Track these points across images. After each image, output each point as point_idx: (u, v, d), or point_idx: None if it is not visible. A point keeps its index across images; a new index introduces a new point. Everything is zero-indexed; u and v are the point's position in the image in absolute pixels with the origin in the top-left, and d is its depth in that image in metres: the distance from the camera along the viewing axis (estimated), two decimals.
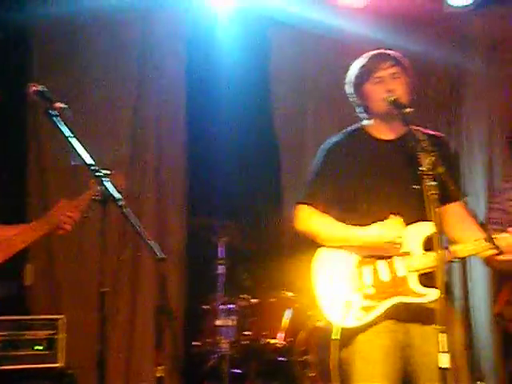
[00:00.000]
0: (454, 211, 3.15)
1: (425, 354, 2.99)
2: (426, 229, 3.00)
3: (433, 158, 2.78)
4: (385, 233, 3.01)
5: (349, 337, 3.01)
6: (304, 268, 3.14)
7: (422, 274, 3.00)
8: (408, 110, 2.99)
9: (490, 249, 3.01)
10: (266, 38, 6.02)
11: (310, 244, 3.16)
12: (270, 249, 5.43)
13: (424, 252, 3.01)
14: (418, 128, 3.05)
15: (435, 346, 2.61)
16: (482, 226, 3.13)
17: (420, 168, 2.78)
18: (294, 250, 3.23)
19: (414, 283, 3.00)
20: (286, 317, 4.82)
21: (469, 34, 5.90)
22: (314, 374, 4.67)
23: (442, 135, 3.26)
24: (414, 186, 2.92)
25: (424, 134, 2.99)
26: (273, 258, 5.22)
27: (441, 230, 2.77)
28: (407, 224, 3.04)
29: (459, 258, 3.06)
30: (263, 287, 5.07)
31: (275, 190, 5.91)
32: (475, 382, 4.99)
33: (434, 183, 2.73)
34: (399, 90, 3.11)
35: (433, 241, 2.78)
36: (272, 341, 4.77)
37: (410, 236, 3.04)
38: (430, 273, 2.94)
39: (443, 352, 2.60)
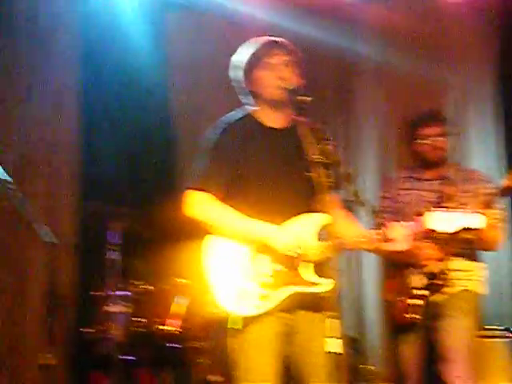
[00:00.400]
0: (335, 200, 3.20)
1: (311, 339, 3.03)
2: (320, 219, 3.03)
3: (323, 147, 2.82)
4: (286, 243, 3.02)
5: (242, 324, 3.03)
6: (196, 255, 3.12)
7: (317, 264, 3.04)
8: (303, 97, 3.01)
9: (378, 241, 3.08)
10: (164, 23, 5.95)
11: (200, 231, 3.13)
12: (165, 235, 5.39)
13: (318, 242, 3.05)
14: (304, 118, 3.09)
15: (323, 332, 2.68)
16: (374, 215, 3.20)
17: (310, 156, 2.81)
18: (187, 237, 3.21)
19: (308, 273, 3.03)
20: (180, 303, 4.80)
21: (363, 22, 5.98)
22: (207, 361, 4.68)
23: (323, 126, 3.27)
24: (307, 174, 2.94)
25: (309, 123, 3.07)
26: (168, 244, 5.18)
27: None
28: (298, 212, 3.05)
29: (350, 249, 3.12)
30: (158, 274, 5.03)
31: (170, 175, 5.86)
32: (361, 366, 5.14)
33: (327, 171, 2.77)
34: (291, 78, 3.13)
35: (327, 231, 2.83)
36: (166, 328, 4.75)
37: (305, 226, 3.07)
38: (324, 262, 3.00)
39: (334, 337, 2.64)
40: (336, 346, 2.68)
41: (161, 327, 4.73)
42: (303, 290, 3.04)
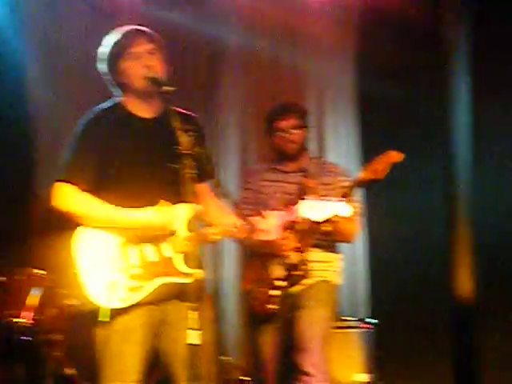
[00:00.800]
0: (206, 190, 3.23)
1: (179, 330, 3.01)
2: (190, 210, 3.02)
3: (190, 138, 2.81)
4: (157, 220, 3.01)
5: (110, 317, 2.99)
6: (59, 247, 3.03)
7: (187, 255, 3.03)
8: (168, 87, 2.98)
9: (241, 232, 3.10)
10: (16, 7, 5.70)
11: (66, 223, 3.05)
12: (21, 226, 5.22)
13: (188, 233, 3.05)
14: (173, 107, 3.06)
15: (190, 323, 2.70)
16: (235, 206, 3.21)
17: (178, 147, 2.80)
18: (48, 228, 3.12)
19: (179, 263, 3.03)
20: (34, 295, 4.65)
21: (229, 11, 6.00)
22: (60, 354, 4.56)
23: (195, 115, 3.29)
24: (171, 165, 2.92)
25: (180, 113, 3.02)
26: (23, 235, 5.03)
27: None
28: (171, 204, 3.04)
29: (220, 239, 3.12)
30: (12, 264, 4.85)
31: (27, 164, 5.66)
32: (220, 357, 5.16)
33: (191, 162, 2.76)
34: (157, 66, 3.10)
35: (197, 222, 2.83)
36: (18, 320, 4.58)
37: (176, 216, 3.05)
38: (193, 253, 2.99)
39: (194, 329, 2.64)
40: (195, 337, 2.68)
41: (14, 319, 4.57)
42: (174, 280, 3.03)
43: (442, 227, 4.83)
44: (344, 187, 3.98)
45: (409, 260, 5.35)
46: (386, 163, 3.90)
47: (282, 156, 4.31)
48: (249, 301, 4.17)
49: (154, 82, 3.04)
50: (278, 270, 4.08)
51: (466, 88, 4.85)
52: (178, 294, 3.03)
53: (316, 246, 4.12)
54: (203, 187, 3.21)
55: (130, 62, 3.13)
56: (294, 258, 4.03)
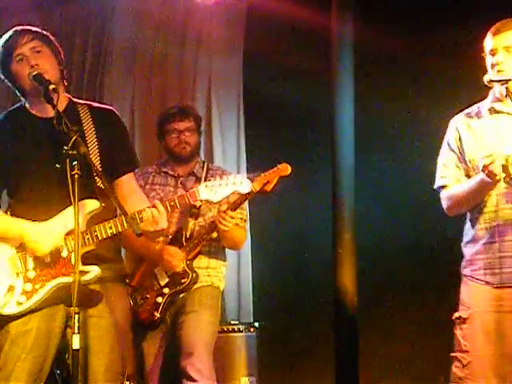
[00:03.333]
0: (122, 185, 3.18)
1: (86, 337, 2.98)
2: (89, 206, 3.00)
3: (75, 138, 2.78)
4: (37, 241, 2.98)
5: (5, 320, 2.96)
6: None
7: (86, 253, 3.00)
8: (52, 85, 2.93)
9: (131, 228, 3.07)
10: None
11: None
12: None
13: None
14: (85, 102, 3.11)
15: (92, 327, 2.82)
16: (121, 209, 3.15)
17: (64, 147, 2.77)
18: None
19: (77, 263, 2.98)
20: None
21: (114, 5, 5.97)
22: None
23: (110, 108, 3.27)
24: (57, 166, 2.89)
25: (90, 107, 3.07)
26: None
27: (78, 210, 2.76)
28: (65, 204, 2.97)
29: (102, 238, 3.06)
30: None
31: None
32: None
33: (75, 163, 2.73)
34: (43, 64, 3.06)
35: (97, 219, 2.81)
36: None
37: (66, 219, 3.00)
38: (93, 252, 2.98)
39: (75, 333, 2.62)
40: (75, 342, 2.65)
41: None
42: (72, 280, 2.97)
43: (326, 231, 4.93)
44: (233, 198, 4.03)
45: (293, 264, 5.44)
46: (275, 176, 4.05)
47: (175, 159, 4.31)
48: (133, 307, 4.15)
49: (38, 80, 2.98)
50: (163, 277, 4.08)
51: (351, 90, 4.96)
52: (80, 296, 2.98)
53: (202, 252, 4.15)
54: (123, 181, 3.16)
55: (18, 64, 3.09)
56: (177, 265, 4.03)
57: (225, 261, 4.33)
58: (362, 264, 4.78)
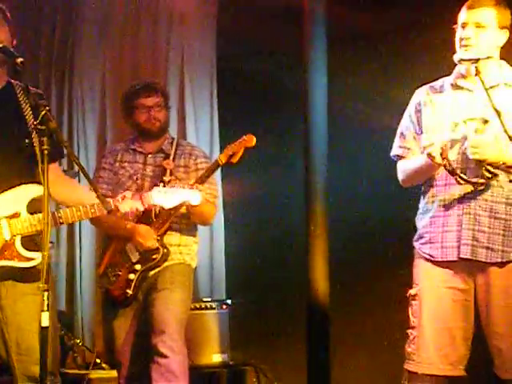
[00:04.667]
0: (53, 171, 3.13)
1: (18, 313, 3.00)
2: (32, 190, 2.98)
3: (44, 112, 2.75)
4: None
5: None
6: None
7: (28, 237, 3.01)
8: (19, 58, 2.89)
9: (100, 213, 3.07)
10: None
11: None
12: None
13: (29, 215, 3.01)
14: (20, 83, 3.06)
15: (29, 305, 2.80)
16: (92, 185, 3.16)
17: (30, 122, 2.73)
18: None
19: (19, 246, 2.99)
20: None
21: None
22: None
23: (42, 92, 3.22)
24: (22, 142, 2.85)
25: (25, 89, 3.01)
26: None
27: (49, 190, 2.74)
28: (8, 184, 2.99)
29: (68, 223, 3.08)
30: None
31: None
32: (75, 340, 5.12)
33: (45, 138, 2.71)
34: (2, 36, 3.03)
35: (40, 203, 2.77)
36: None
37: (16, 197, 3.01)
38: (36, 236, 2.97)
39: (44, 311, 2.61)
40: (44, 319, 2.64)
41: None
42: (13, 264, 2.98)
43: (300, 206, 4.94)
44: (202, 170, 4.15)
45: (266, 242, 5.46)
46: (240, 147, 4.10)
47: (144, 135, 4.31)
48: (105, 284, 4.15)
49: (3, 52, 2.93)
50: (134, 254, 4.08)
51: (324, 66, 4.97)
52: (15, 276, 3.00)
53: (173, 229, 4.14)
54: (53, 167, 3.14)
55: None
56: (149, 242, 4.04)
57: (197, 237, 4.34)
58: (334, 240, 4.80)
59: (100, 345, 5.21)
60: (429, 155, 3.15)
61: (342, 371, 4.97)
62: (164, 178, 4.14)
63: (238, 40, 5.55)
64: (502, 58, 3.35)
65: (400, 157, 3.45)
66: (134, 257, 4.11)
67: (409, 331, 3.34)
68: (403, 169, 3.44)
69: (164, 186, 3.35)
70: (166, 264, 4.13)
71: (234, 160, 4.09)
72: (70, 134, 6.03)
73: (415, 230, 3.43)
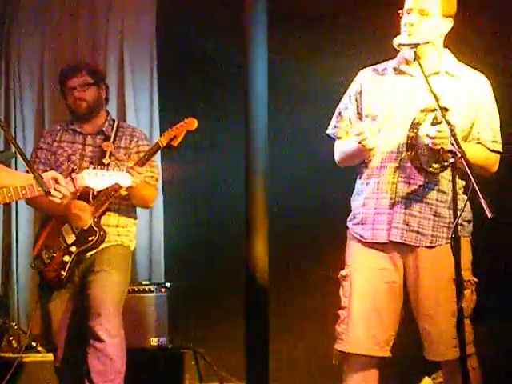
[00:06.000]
0: None
1: None
2: None
3: None
4: None
5: None
6: None
7: None
8: None
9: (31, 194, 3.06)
10: None
11: None
12: None
13: None
14: None
15: None
16: (29, 165, 3.13)
17: None
18: None
19: None
20: None
21: None
22: None
23: None
24: None
25: None
26: None
27: None
28: None
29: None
30: None
31: None
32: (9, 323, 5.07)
33: None
34: None
35: None
36: None
37: None
38: None
39: None
40: None
41: None
42: None
43: (239, 189, 4.95)
44: (143, 152, 4.16)
45: (206, 223, 5.45)
46: (182, 131, 4.11)
47: (75, 116, 4.30)
48: (39, 266, 4.11)
49: None
50: (70, 236, 4.05)
51: (264, 45, 4.97)
52: None
53: (111, 209, 4.12)
54: None
55: None
56: (85, 223, 4.01)
57: (135, 219, 4.33)
58: (273, 223, 4.82)
59: (36, 328, 5.15)
60: (359, 143, 3.20)
61: (280, 353, 5.01)
62: (103, 161, 4.12)
63: (178, 19, 5.52)
64: (445, 47, 3.39)
65: (337, 137, 3.49)
66: (70, 238, 4.09)
67: (339, 312, 3.40)
68: (338, 149, 3.50)
69: (94, 168, 3.35)
70: (103, 246, 4.12)
71: (175, 143, 4.10)
72: (6, 114, 5.93)
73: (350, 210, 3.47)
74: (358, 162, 3.40)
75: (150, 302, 4.99)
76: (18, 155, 3.10)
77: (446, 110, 3.02)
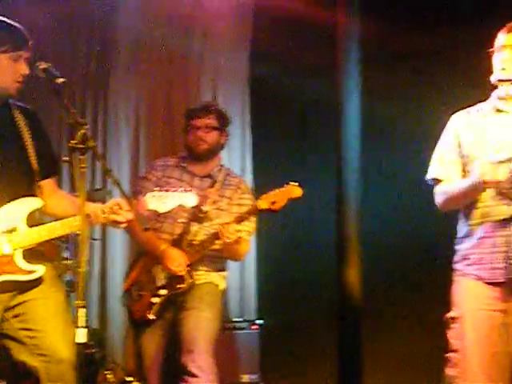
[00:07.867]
0: (50, 185, 3.29)
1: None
2: (30, 204, 3.10)
3: (83, 131, 2.80)
4: None
5: None
6: None
7: (30, 251, 3.09)
8: (61, 79, 2.96)
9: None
10: None
11: None
12: None
13: (28, 228, 3.10)
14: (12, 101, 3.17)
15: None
16: (125, 194, 3.19)
17: (71, 141, 2.79)
18: None
19: (20, 260, 3.08)
20: None
21: None
22: None
23: (30, 107, 3.32)
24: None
25: (17, 106, 3.15)
26: None
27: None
28: (8, 198, 3.08)
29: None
30: None
31: None
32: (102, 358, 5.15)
33: (83, 157, 2.76)
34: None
35: (38, 216, 2.86)
36: None
37: (14, 211, 3.09)
38: (38, 249, 3.09)
39: (81, 327, 2.66)
40: (80, 336, 2.69)
41: None
42: (16, 278, 3.06)
43: (331, 228, 4.96)
44: (243, 206, 4.12)
45: (298, 261, 5.47)
46: (285, 197, 4.03)
47: (191, 155, 4.28)
48: (127, 302, 4.21)
49: (47, 72, 2.99)
50: (161, 278, 4.13)
51: (357, 86, 4.99)
52: (19, 288, 3.09)
53: (203, 263, 4.17)
54: (48, 182, 3.26)
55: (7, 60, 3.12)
56: (179, 269, 4.06)
57: (225, 272, 4.33)
58: (366, 263, 4.82)
59: (131, 364, 5.23)
60: (484, 182, 3.12)
61: None
62: (202, 208, 4.10)
63: (271, 58, 5.59)
64: None
65: (438, 181, 3.43)
66: (160, 281, 4.12)
67: (450, 355, 3.30)
68: (444, 193, 3.41)
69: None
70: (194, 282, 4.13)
71: (276, 208, 4.00)
72: (103, 150, 6.09)
73: (453, 252, 3.41)
74: (467, 203, 3.35)
75: (241, 338, 5.03)
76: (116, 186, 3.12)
77: None
